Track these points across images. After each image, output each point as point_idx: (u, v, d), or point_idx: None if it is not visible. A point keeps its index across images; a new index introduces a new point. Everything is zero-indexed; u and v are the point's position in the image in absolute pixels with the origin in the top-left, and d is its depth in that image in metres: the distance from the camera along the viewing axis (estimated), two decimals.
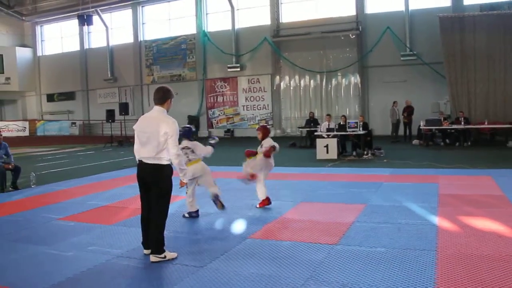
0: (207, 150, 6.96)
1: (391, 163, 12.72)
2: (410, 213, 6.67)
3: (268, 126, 8.37)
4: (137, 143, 5.10)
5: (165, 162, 4.92)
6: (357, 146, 14.94)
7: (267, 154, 7.33)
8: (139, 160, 5.04)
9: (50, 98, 34.47)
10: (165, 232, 5.12)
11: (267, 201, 7.42)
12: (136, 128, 5.05)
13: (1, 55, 32.79)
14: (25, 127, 30.77)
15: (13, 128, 30.63)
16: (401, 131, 20.01)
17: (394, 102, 20.10)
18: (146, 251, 5.12)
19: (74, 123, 31.79)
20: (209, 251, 5.25)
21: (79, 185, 10.68)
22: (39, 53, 34.84)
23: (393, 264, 4.58)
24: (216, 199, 6.92)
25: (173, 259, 4.96)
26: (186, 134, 6.84)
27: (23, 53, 33.92)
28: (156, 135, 4.83)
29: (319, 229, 6.04)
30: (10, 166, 10.42)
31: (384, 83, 23.01)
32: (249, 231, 6.08)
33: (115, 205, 8.17)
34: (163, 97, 5.00)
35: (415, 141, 18.05)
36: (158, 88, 5.09)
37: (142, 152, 4.98)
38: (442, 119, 17.33)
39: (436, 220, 6.23)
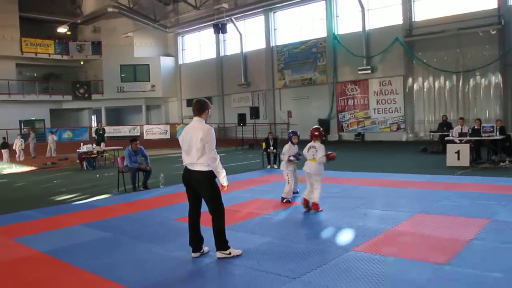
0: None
1: None
2: None
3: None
4: (183, 152, 5.48)
5: (206, 168, 5.26)
6: (494, 152, 13.58)
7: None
8: (185, 166, 5.44)
9: (189, 103, 36.76)
10: (268, 238, 5.90)
11: None
12: (180, 138, 5.48)
13: (148, 65, 36.09)
14: (166, 130, 33.11)
15: (157, 131, 33.16)
16: None
17: None
18: (194, 254, 5.51)
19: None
20: (307, 261, 5.13)
21: None
22: (180, 62, 37.65)
23: None
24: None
25: (238, 255, 5.36)
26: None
27: (166, 62, 36.97)
28: (195, 142, 5.21)
29: (431, 245, 5.56)
30: (147, 168, 11.40)
31: None
32: (355, 243, 5.83)
33: (229, 207, 8.35)
34: (200, 108, 5.41)
35: None
36: (196, 101, 5.51)
37: (186, 159, 5.38)
38: None
39: None
